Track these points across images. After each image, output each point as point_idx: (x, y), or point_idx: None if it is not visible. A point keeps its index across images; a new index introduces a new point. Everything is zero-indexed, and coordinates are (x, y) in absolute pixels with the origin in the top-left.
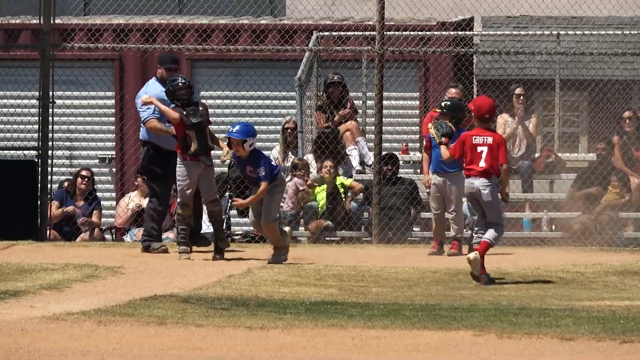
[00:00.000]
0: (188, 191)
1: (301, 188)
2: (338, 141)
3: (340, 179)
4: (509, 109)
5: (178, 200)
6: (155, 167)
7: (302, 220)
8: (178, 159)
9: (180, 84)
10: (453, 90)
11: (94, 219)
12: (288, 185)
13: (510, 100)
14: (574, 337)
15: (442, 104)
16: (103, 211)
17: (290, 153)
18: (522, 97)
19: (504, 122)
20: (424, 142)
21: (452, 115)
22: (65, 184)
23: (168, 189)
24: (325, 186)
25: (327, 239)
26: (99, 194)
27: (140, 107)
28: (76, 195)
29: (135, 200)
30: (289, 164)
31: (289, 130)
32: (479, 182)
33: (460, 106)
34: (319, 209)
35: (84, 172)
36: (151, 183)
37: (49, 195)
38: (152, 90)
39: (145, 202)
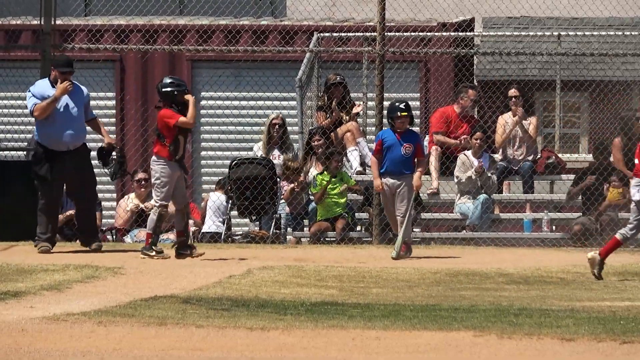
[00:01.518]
0: (171, 190)
1: (285, 188)
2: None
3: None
4: (508, 110)
5: (159, 200)
6: (41, 168)
7: (305, 221)
8: (158, 159)
9: (184, 90)
10: (471, 91)
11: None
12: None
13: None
14: (575, 338)
15: (402, 106)
16: (103, 212)
17: (277, 149)
18: (515, 99)
19: (504, 123)
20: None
21: (411, 114)
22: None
23: (56, 188)
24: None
25: (327, 239)
26: (99, 195)
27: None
28: None
29: (134, 201)
30: (275, 160)
31: (276, 127)
32: (633, 182)
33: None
34: (337, 209)
35: None
36: (38, 183)
37: None
38: (40, 88)
39: (143, 205)
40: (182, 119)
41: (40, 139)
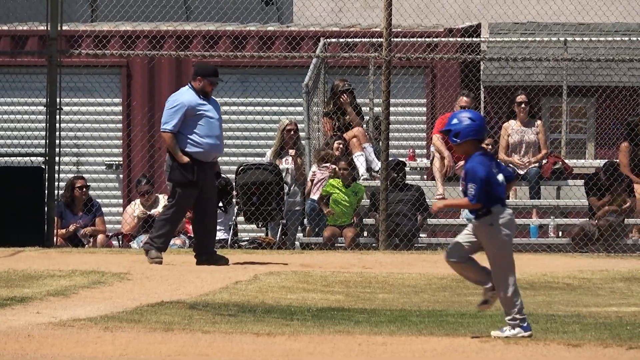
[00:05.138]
0: None
1: (320, 177)
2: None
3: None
4: (514, 116)
5: None
6: (193, 174)
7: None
8: None
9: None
10: (465, 98)
11: (98, 226)
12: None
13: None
14: (581, 344)
15: None
16: (110, 217)
17: (283, 154)
18: (523, 105)
19: (510, 130)
20: None
21: None
22: (63, 198)
23: (193, 198)
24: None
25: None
26: (105, 200)
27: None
28: (75, 206)
29: (140, 208)
30: (282, 165)
31: (292, 132)
32: None
33: None
34: (345, 220)
35: (79, 182)
36: (178, 189)
37: (55, 202)
38: (188, 98)
39: (151, 211)
40: None
41: (189, 148)
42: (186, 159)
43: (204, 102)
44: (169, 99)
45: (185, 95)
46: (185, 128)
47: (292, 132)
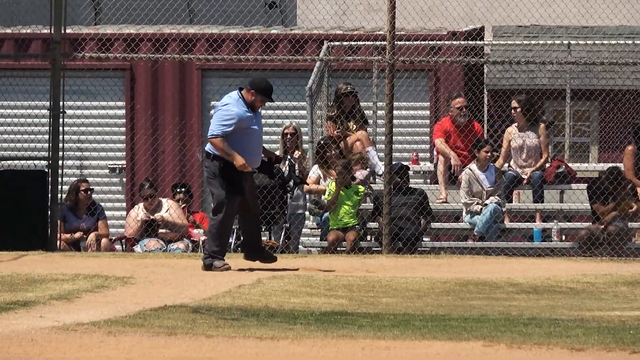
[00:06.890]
0: None
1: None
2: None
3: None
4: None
5: None
6: (225, 179)
7: (320, 230)
8: None
9: None
10: (459, 99)
11: (101, 229)
12: None
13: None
14: (584, 348)
15: None
16: (113, 221)
17: (289, 157)
18: (518, 109)
19: (512, 134)
20: None
21: None
22: (67, 201)
23: (233, 204)
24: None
25: (336, 249)
26: (109, 204)
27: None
28: (79, 209)
29: (143, 211)
30: (285, 169)
31: (287, 136)
32: None
33: None
34: (348, 220)
35: (84, 186)
36: (227, 197)
37: (59, 206)
38: (240, 109)
39: (154, 215)
40: None
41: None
42: (243, 160)
43: (251, 115)
44: (220, 107)
45: (237, 109)
46: (231, 139)
47: (288, 136)
